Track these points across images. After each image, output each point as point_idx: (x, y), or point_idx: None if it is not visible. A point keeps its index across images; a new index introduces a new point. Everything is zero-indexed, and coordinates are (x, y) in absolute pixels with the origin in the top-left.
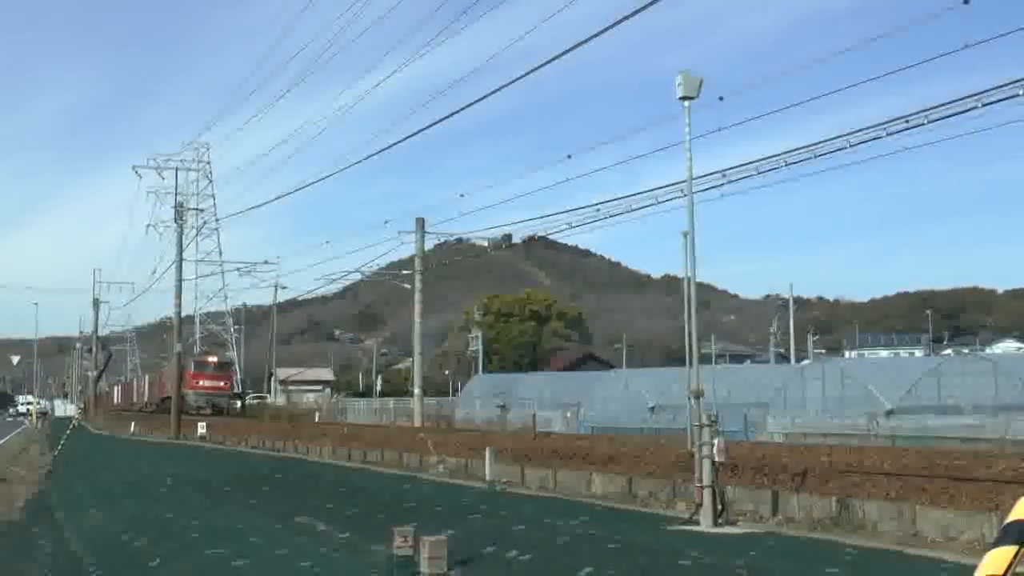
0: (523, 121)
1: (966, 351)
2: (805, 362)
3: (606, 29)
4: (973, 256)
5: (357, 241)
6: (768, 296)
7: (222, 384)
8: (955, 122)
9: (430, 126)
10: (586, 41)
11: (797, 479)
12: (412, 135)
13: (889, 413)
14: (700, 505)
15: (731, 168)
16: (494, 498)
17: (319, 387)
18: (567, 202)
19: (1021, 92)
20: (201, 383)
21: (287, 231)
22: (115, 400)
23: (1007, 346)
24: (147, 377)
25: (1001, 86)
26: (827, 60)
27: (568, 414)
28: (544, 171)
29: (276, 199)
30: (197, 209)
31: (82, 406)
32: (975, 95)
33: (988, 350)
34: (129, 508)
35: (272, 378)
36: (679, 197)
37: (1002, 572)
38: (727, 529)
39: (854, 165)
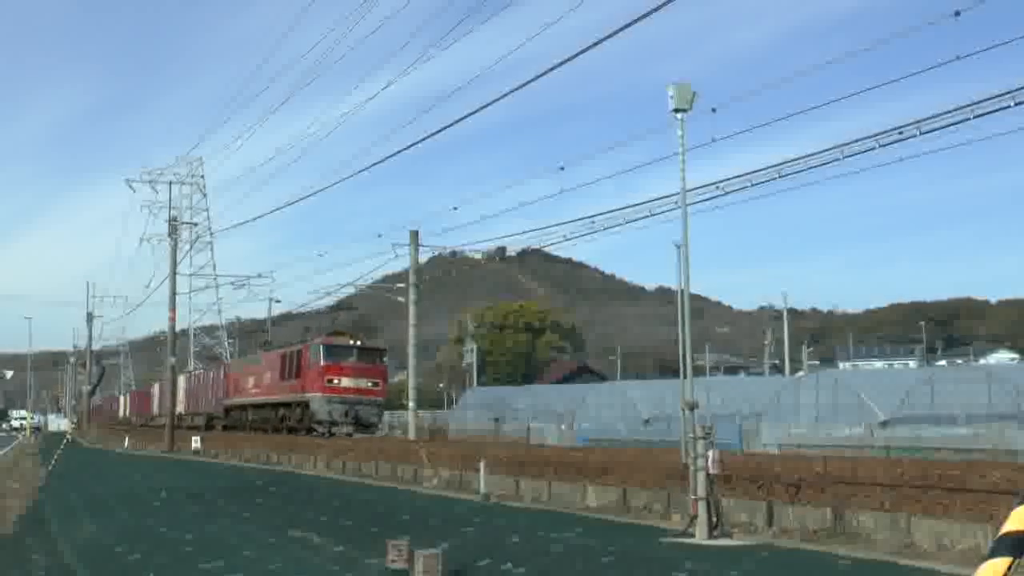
0: (517, 132)
1: (960, 361)
2: (799, 373)
3: (601, 41)
4: (966, 266)
5: (352, 253)
6: (762, 307)
7: (372, 384)
8: (947, 133)
9: (424, 139)
10: (581, 53)
11: (792, 490)
12: (406, 148)
13: (883, 423)
14: (695, 517)
15: (725, 180)
16: (488, 510)
17: None
18: (561, 214)
19: (1012, 103)
20: (339, 382)
21: (281, 243)
22: (123, 412)
23: (1000, 356)
24: (163, 386)
25: (992, 97)
26: (820, 71)
27: (563, 426)
28: (538, 182)
29: (270, 212)
30: (191, 223)
31: (75, 420)
32: (967, 106)
33: (982, 360)
34: (123, 521)
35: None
36: (673, 209)
37: None
38: (722, 541)
39: (847, 176)
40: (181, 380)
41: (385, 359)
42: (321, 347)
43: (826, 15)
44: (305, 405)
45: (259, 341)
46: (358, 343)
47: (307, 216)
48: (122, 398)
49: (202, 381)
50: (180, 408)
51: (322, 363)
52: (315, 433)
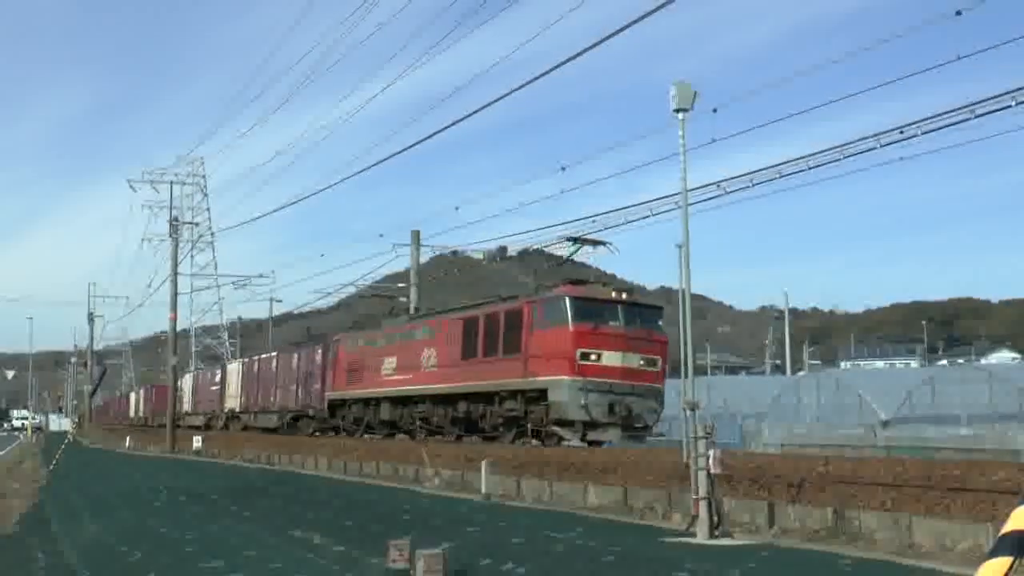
0: (519, 132)
1: (961, 361)
2: (801, 373)
3: (602, 41)
4: (968, 266)
5: (352, 253)
6: (763, 307)
7: (648, 363)
8: (948, 133)
9: (425, 139)
10: (582, 53)
11: (793, 490)
12: (407, 148)
13: (885, 423)
14: (696, 516)
15: (726, 179)
16: (490, 510)
17: None
18: (563, 213)
19: (1013, 103)
20: (598, 358)
21: (282, 243)
22: (134, 411)
23: (1002, 356)
24: (198, 376)
25: (994, 97)
26: (821, 71)
27: None
28: (540, 182)
29: (271, 212)
30: (192, 223)
31: (77, 420)
32: (968, 106)
33: (983, 360)
34: (124, 521)
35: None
36: (674, 209)
37: None
38: (723, 540)
39: (848, 176)
40: (233, 368)
41: (661, 322)
42: (567, 301)
43: (827, 15)
44: (534, 396)
45: (390, 308)
46: (623, 296)
47: (308, 216)
48: (133, 395)
49: (276, 368)
50: (231, 404)
51: (571, 326)
52: (558, 441)
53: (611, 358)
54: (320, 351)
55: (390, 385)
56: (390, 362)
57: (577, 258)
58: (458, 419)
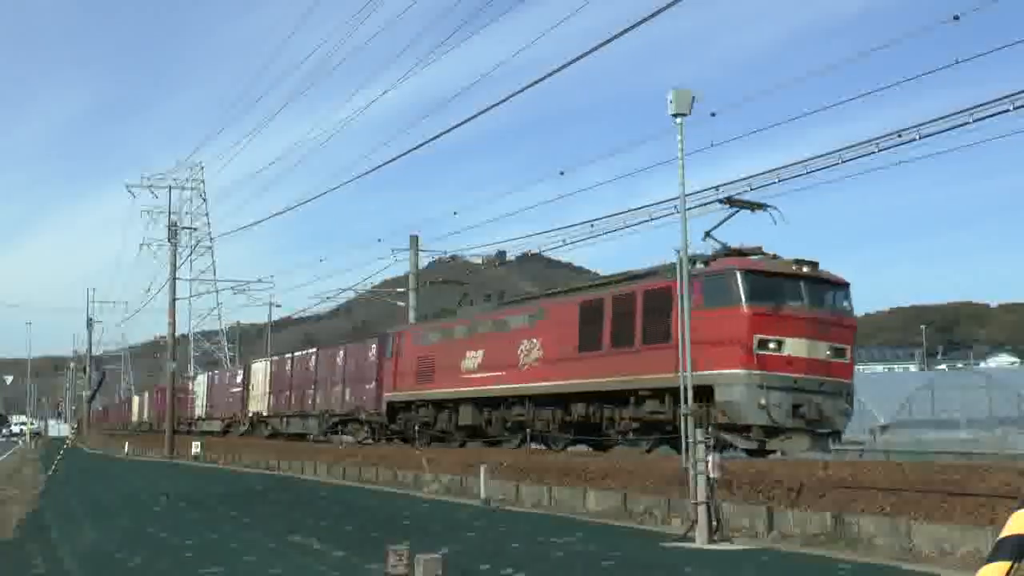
0: (518, 137)
1: (960, 365)
2: None
3: (603, 44)
4: (967, 270)
5: (351, 258)
6: None
7: (836, 353)
8: (947, 137)
9: (424, 144)
10: (581, 57)
11: (792, 494)
12: (406, 152)
13: (884, 427)
14: (695, 521)
15: (725, 184)
16: (489, 515)
17: None
18: (563, 218)
19: (1012, 107)
20: (778, 347)
21: (281, 248)
22: (137, 416)
23: (1001, 360)
24: (214, 378)
25: (992, 101)
26: (819, 76)
27: None
28: (539, 187)
29: (270, 217)
30: (191, 228)
31: (75, 426)
32: (967, 110)
33: (982, 364)
34: (123, 526)
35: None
36: (673, 213)
37: None
38: (722, 545)
39: (847, 180)
40: (259, 368)
41: (848, 303)
42: (739, 276)
43: (825, 21)
44: (700, 394)
45: (462, 295)
46: (804, 269)
47: (307, 221)
48: (137, 399)
49: (315, 366)
50: (257, 407)
51: (745, 306)
52: (735, 451)
53: (795, 346)
54: (375, 347)
55: (474, 384)
56: (474, 356)
57: (576, 262)
58: (571, 423)
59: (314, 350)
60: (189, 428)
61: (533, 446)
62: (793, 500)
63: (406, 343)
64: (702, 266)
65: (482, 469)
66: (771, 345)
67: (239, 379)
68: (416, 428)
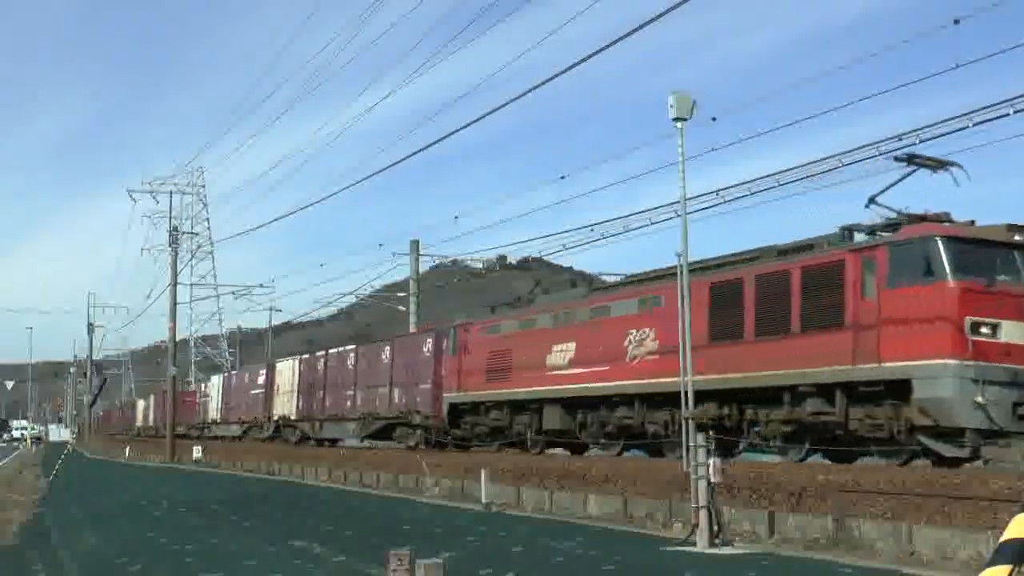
0: (519, 141)
1: None
2: None
3: (603, 49)
4: None
5: (352, 263)
6: None
7: None
8: (947, 141)
9: (425, 148)
10: (583, 61)
11: (793, 498)
12: (407, 157)
13: None
14: (696, 525)
15: (725, 188)
16: (490, 519)
17: None
18: (564, 222)
19: (1011, 111)
20: (996, 332)
21: (282, 252)
22: (142, 420)
23: None
24: (231, 379)
25: (992, 105)
26: (820, 80)
27: None
28: (540, 191)
29: (271, 222)
30: (191, 233)
31: (76, 431)
32: (966, 114)
33: None
34: (124, 531)
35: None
36: (673, 217)
37: None
38: (723, 549)
39: (847, 184)
40: (285, 367)
41: None
42: (941, 244)
43: (826, 26)
44: (875, 391)
45: (535, 283)
46: (1016, 238)
47: (308, 226)
48: (142, 402)
49: (354, 365)
50: (283, 410)
51: (951, 281)
52: (912, 457)
53: (1013, 331)
54: (430, 341)
55: (565, 382)
56: (563, 350)
57: (577, 265)
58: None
59: (352, 347)
60: (201, 433)
61: (635, 454)
62: (794, 504)
63: (472, 337)
64: (885, 235)
65: (483, 473)
66: (985, 330)
67: (261, 379)
68: (486, 433)
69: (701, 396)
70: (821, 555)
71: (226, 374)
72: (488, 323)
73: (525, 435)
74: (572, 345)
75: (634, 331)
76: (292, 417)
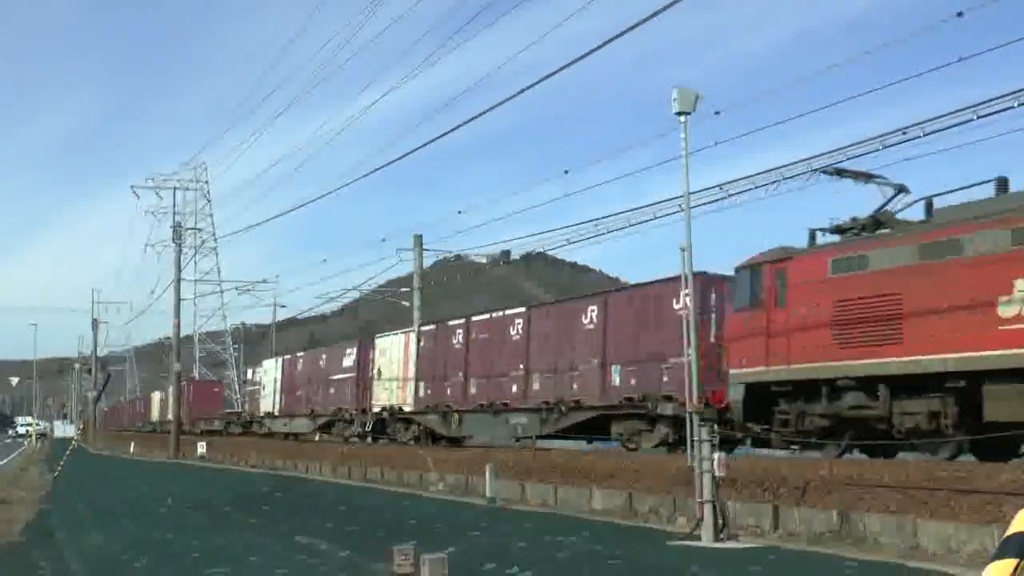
0: (523, 137)
1: None
2: None
3: (605, 43)
4: None
5: (356, 259)
6: None
7: None
8: (951, 134)
9: (429, 143)
10: (585, 56)
11: (797, 493)
12: (411, 152)
13: None
14: (701, 520)
15: (729, 182)
16: (494, 515)
17: None
18: (567, 218)
19: (1016, 104)
20: None
21: (286, 249)
22: (159, 414)
23: None
24: (294, 363)
25: (996, 98)
26: (824, 75)
27: None
28: (543, 187)
29: (274, 217)
30: (195, 229)
31: (81, 427)
32: (971, 107)
33: None
34: (129, 529)
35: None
36: (677, 212)
37: None
38: (728, 544)
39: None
40: (390, 343)
41: None
42: None
43: (830, 20)
44: None
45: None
46: None
47: (312, 222)
48: (158, 394)
49: (525, 333)
50: (391, 400)
51: None
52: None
53: None
54: (692, 291)
55: None
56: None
57: (580, 260)
58: None
59: (521, 310)
60: (245, 428)
61: None
62: (799, 498)
63: (800, 277)
64: None
65: (487, 469)
66: None
67: (348, 360)
68: (825, 428)
69: None
70: (826, 549)
71: (287, 356)
72: (833, 254)
73: (921, 429)
74: None
75: None
76: (407, 408)
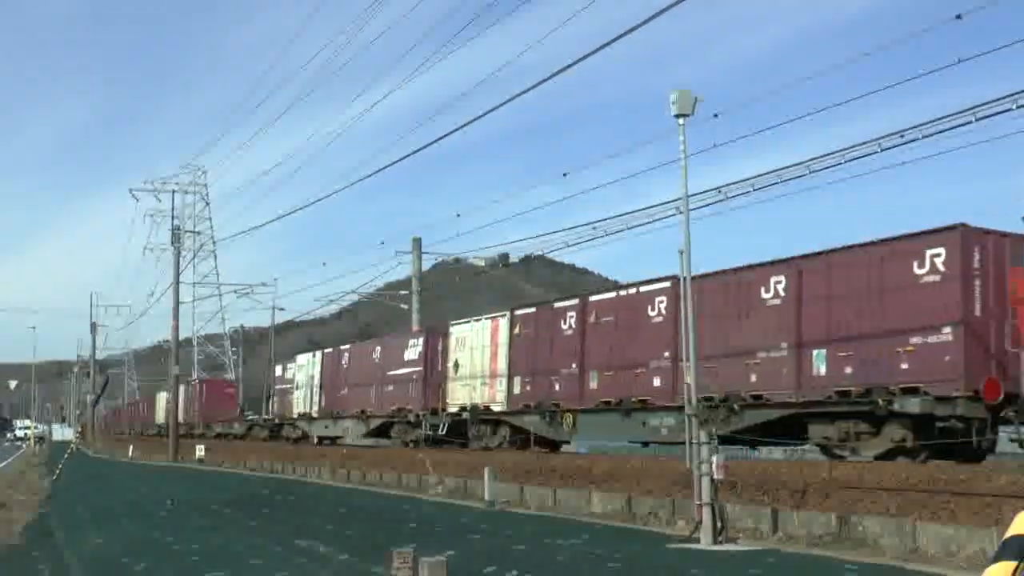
0: (521, 140)
1: None
2: None
3: (604, 45)
4: None
5: (355, 261)
6: None
7: None
8: (950, 136)
9: (427, 146)
10: (584, 58)
11: (797, 496)
12: (410, 155)
13: None
14: (700, 523)
15: (727, 185)
16: (494, 518)
17: None
18: (566, 220)
19: (1014, 106)
20: None
21: (285, 251)
22: (163, 416)
23: None
24: (338, 357)
25: (995, 100)
26: (822, 77)
27: None
28: (542, 189)
29: (273, 220)
30: (194, 232)
31: (80, 430)
32: (969, 109)
33: None
34: (129, 531)
35: (270, 400)
36: (676, 214)
37: None
38: (727, 547)
39: (849, 180)
40: (468, 329)
41: None
42: None
43: (828, 22)
44: None
45: None
46: None
47: (311, 225)
48: (164, 395)
49: (673, 311)
50: (474, 398)
51: None
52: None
53: None
54: (959, 249)
55: None
56: None
57: (579, 263)
58: None
59: (666, 284)
60: (273, 432)
61: None
62: (798, 501)
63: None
64: None
65: (486, 471)
66: None
67: (413, 353)
68: None
69: None
70: (825, 552)
71: (328, 350)
72: None
73: None
74: None
75: None
76: (496, 407)
